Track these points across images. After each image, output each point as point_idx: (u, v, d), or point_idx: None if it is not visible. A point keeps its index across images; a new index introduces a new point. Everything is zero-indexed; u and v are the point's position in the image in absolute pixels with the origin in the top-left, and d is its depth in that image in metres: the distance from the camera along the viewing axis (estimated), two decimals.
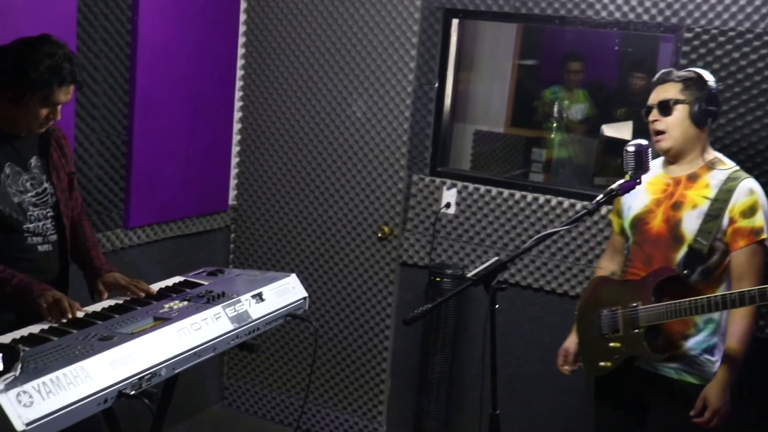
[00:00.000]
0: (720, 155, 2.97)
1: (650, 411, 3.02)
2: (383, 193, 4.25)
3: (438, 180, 4.21)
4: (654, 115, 2.92)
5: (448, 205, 4.19)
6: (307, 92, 4.36)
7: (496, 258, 2.58)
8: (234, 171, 4.63)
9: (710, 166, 2.92)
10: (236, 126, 4.58)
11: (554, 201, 3.97)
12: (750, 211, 2.82)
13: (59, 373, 2.05)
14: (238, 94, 4.54)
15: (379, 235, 4.27)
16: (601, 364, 3.01)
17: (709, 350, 2.90)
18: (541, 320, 4.05)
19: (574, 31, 4.06)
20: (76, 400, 2.06)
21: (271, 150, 4.52)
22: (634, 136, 5.01)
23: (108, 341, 2.30)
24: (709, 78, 2.91)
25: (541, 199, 3.99)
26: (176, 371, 2.45)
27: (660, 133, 2.92)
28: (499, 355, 2.64)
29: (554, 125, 5.75)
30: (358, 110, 4.25)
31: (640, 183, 2.76)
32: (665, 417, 2.95)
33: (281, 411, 4.67)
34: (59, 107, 2.69)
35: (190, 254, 4.39)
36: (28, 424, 1.92)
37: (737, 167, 2.93)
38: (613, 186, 2.75)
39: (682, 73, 2.93)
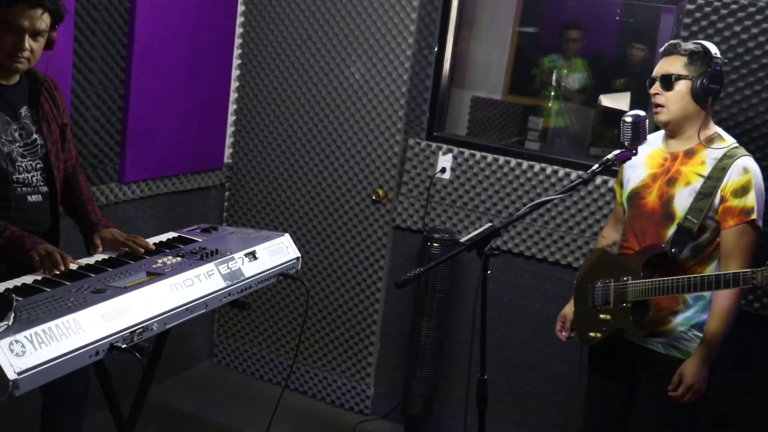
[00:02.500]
0: (721, 131, 2.95)
1: (638, 383, 3.06)
2: (379, 156, 4.25)
3: (434, 145, 4.20)
4: (656, 88, 2.91)
5: (443, 170, 4.19)
6: (305, 52, 4.34)
7: (490, 224, 2.60)
8: (230, 129, 4.62)
9: (708, 142, 2.89)
10: (234, 84, 4.56)
11: (549, 169, 3.97)
12: (742, 191, 2.80)
13: (52, 324, 2.06)
14: (236, 51, 4.51)
15: (374, 197, 4.27)
16: (591, 334, 3.03)
17: (698, 326, 2.90)
18: (531, 287, 4.08)
19: (574, 0, 4.03)
20: (68, 352, 2.07)
21: (268, 109, 4.50)
22: (632, 107, 5.02)
23: (101, 294, 2.30)
24: (716, 53, 2.87)
25: (537, 167, 3.99)
26: (168, 326, 2.46)
27: (660, 106, 2.90)
28: (488, 321, 2.66)
29: (552, 94, 5.72)
30: (357, 72, 4.23)
31: (636, 154, 2.77)
32: (652, 391, 2.97)
33: (270, 369, 4.71)
34: (26, 36, 2.61)
35: (183, 211, 4.39)
36: (19, 373, 1.93)
37: (735, 144, 2.91)
38: (609, 156, 2.76)
39: (689, 46, 2.89)
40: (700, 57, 2.86)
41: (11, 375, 1.91)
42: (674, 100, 2.87)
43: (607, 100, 5.46)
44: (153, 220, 4.16)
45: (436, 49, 4.17)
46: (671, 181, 2.90)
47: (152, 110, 3.98)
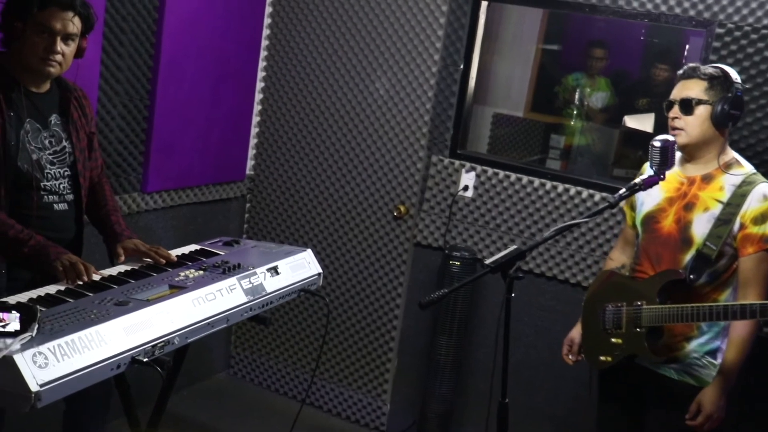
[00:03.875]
0: (738, 157, 2.92)
1: (649, 409, 3.02)
2: (401, 172, 4.24)
3: (457, 162, 4.19)
4: (675, 111, 2.87)
5: (465, 188, 4.17)
6: (331, 66, 4.34)
7: (515, 246, 2.57)
8: (253, 140, 4.62)
9: (726, 168, 2.86)
10: (258, 96, 4.57)
11: (573, 190, 3.94)
12: (761, 218, 2.77)
13: (75, 336, 2.06)
14: (261, 64, 4.52)
15: (395, 214, 4.26)
16: (602, 358, 3.00)
17: (712, 353, 2.87)
18: (552, 309, 4.05)
19: (599, 18, 3.99)
20: (90, 364, 2.06)
21: (291, 122, 4.50)
22: (656, 128, 4.99)
23: (123, 307, 2.30)
24: (736, 78, 2.84)
25: (560, 187, 3.97)
26: (189, 340, 2.45)
27: (678, 129, 2.87)
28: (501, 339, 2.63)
29: (574, 112, 5.70)
30: (382, 87, 4.22)
31: (663, 179, 2.74)
32: (663, 416, 2.94)
33: (286, 383, 4.69)
34: (58, 39, 2.63)
35: (204, 222, 4.39)
36: (42, 385, 1.92)
37: (754, 171, 2.88)
38: (637, 180, 2.73)
39: (708, 70, 2.86)
40: (720, 82, 2.83)
41: (34, 387, 1.91)
42: (694, 125, 2.84)
43: (632, 121, 5.44)
44: (174, 231, 4.16)
45: (462, 66, 4.16)
46: (689, 206, 2.87)
47: (176, 121, 3.99)
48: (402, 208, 4.23)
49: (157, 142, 3.90)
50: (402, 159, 4.22)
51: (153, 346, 2.28)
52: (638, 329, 2.87)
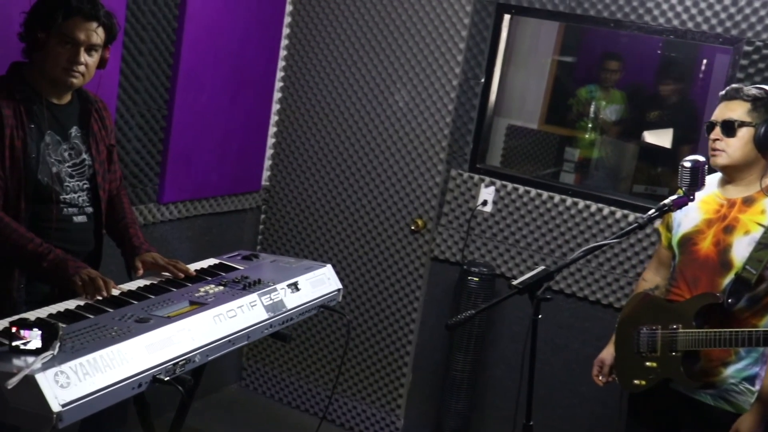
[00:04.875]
0: None
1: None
2: (420, 186, 4.19)
3: (476, 177, 4.14)
4: (716, 133, 2.82)
5: (485, 203, 4.12)
6: (350, 77, 4.30)
7: (543, 267, 2.52)
8: (269, 151, 4.58)
9: None
10: (275, 106, 4.53)
11: (594, 207, 3.89)
12: None
13: (96, 354, 2.02)
14: (279, 74, 4.48)
15: (413, 227, 4.21)
16: (636, 381, 2.94)
17: (750, 379, 2.81)
18: (570, 326, 3.99)
19: (615, 31, 3.95)
20: (112, 383, 2.02)
21: (309, 133, 4.47)
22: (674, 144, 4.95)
23: (144, 324, 2.26)
24: None
25: (581, 204, 3.92)
26: (210, 358, 2.41)
27: (719, 150, 2.82)
28: (523, 358, 2.58)
29: (589, 125, 5.66)
30: (401, 100, 4.18)
31: (693, 200, 2.69)
32: None
33: (299, 396, 4.64)
34: (81, 49, 2.61)
35: (219, 233, 4.35)
36: (64, 405, 1.88)
37: None
38: (666, 201, 2.68)
39: (752, 91, 2.81)
40: (763, 103, 2.78)
41: (56, 407, 1.86)
42: (737, 147, 2.79)
43: (651, 137, 5.40)
44: (189, 242, 4.12)
45: (483, 80, 4.11)
46: (728, 229, 2.81)
47: (193, 131, 3.95)
48: (420, 222, 4.19)
49: (174, 153, 3.87)
50: (421, 172, 4.18)
51: (174, 365, 2.24)
52: (674, 353, 2.81)
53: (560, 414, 4.04)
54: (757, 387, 2.79)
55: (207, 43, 3.88)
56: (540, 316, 2.49)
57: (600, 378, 3.16)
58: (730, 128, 2.79)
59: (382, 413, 4.42)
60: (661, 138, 5.45)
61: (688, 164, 2.67)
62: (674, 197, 2.68)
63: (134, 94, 3.60)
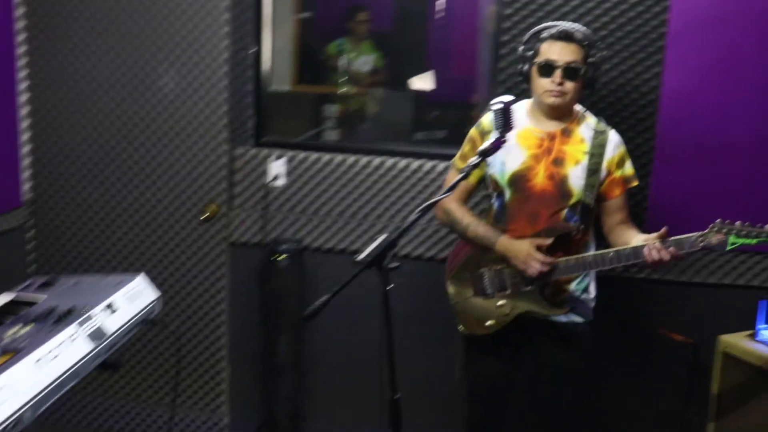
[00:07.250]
0: (580, 107, 3.00)
1: (526, 350, 3.04)
2: (206, 169, 3.92)
3: (264, 151, 3.95)
4: (558, 76, 2.82)
5: (276, 177, 3.95)
6: (109, 65, 3.89)
7: (384, 236, 2.43)
8: (26, 162, 4.06)
9: (579, 120, 2.96)
10: (22, 111, 4.00)
11: (389, 162, 3.85)
12: (621, 162, 2.93)
13: None
14: (21, 73, 3.96)
15: (202, 217, 3.93)
16: (488, 323, 2.98)
17: (586, 288, 3.00)
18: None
19: None
20: None
21: (72, 135, 3.99)
22: None
23: None
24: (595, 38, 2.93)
25: (376, 161, 3.86)
26: (42, 409, 2.08)
27: (562, 92, 2.84)
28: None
29: (343, 79, 5.67)
30: (170, 83, 3.86)
31: (506, 141, 2.69)
32: (553, 356, 3.00)
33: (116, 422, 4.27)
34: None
35: None
36: None
37: (596, 118, 2.99)
38: (483, 146, 2.66)
39: (585, 33, 2.86)
40: (592, 46, 2.87)
41: None
42: (577, 90, 2.86)
43: (416, 82, 5.49)
44: None
45: (255, 49, 3.89)
46: (558, 161, 2.91)
47: None
48: (213, 207, 3.93)
49: None
50: (205, 155, 3.91)
51: (3, 429, 1.90)
52: (529, 287, 2.89)
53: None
54: (593, 293, 3.01)
55: None
56: (392, 285, 2.40)
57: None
58: (573, 73, 2.82)
59: (204, 415, 4.16)
60: (424, 82, 5.55)
61: (498, 106, 2.66)
62: (491, 140, 2.66)
63: None
